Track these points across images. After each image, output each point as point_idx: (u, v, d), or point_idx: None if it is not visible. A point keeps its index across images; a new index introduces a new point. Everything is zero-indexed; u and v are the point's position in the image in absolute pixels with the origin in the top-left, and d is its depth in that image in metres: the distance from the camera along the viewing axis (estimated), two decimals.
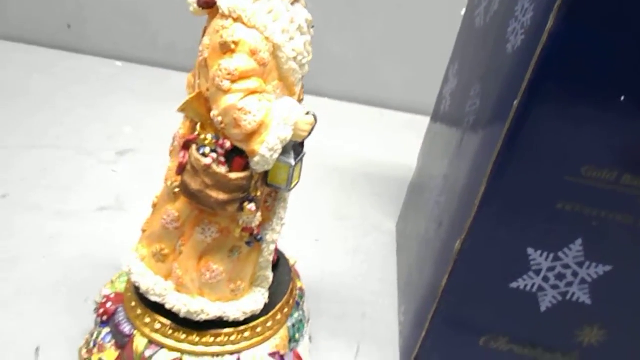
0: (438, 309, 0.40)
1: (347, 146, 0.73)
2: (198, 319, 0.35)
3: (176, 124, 0.35)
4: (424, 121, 0.61)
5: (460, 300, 0.39)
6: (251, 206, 0.31)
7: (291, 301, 0.41)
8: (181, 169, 0.30)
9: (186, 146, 0.30)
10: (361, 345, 0.47)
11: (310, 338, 0.44)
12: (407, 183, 0.63)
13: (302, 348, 0.41)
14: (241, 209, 0.31)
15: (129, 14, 0.85)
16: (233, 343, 0.37)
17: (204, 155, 0.30)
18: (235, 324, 0.37)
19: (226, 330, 0.36)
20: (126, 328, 0.37)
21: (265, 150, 0.29)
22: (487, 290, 0.38)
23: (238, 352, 0.37)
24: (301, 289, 0.44)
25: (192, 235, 0.33)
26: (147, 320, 0.36)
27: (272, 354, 0.37)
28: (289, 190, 0.33)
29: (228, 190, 0.30)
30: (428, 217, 0.47)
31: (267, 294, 0.37)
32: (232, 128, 0.29)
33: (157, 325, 0.36)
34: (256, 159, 0.30)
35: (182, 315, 0.35)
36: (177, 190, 0.32)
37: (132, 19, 0.85)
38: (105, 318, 0.38)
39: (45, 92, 0.74)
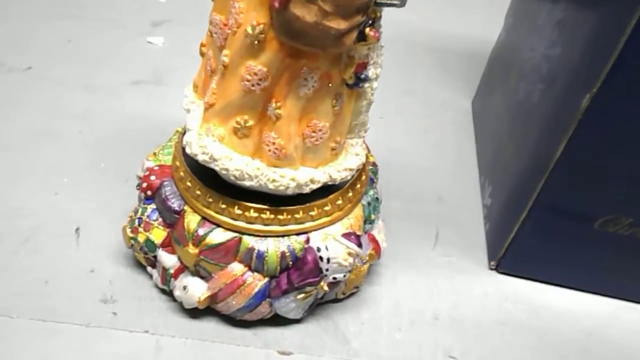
0: (546, 186, 0.33)
1: (414, 18, 0.63)
2: (307, 190, 0.29)
3: None
4: None
5: (578, 174, 0.32)
6: (373, 31, 0.25)
7: (364, 176, 0.34)
8: (286, 1, 0.23)
9: None
10: (440, 230, 0.41)
11: (382, 221, 0.38)
12: (482, 58, 0.54)
13: (378, 231, 0.35)
14: (362, 37, 0.25)
15: None
16: (297, 222, 0.31)
17: None
18: (301, 200, 0.30)
19: (290, 207, 0.30)
20: (174, 203, 0.31)
21: None
22: (614, 160, 0.31)
23: (306, 231, 0.31)
24: (374, 164, 0.37)
25: (289, 91, 0.26)
26: (198, 193, 0.30)
27: (346, 235, 0.31)
28: (403, 6, 0.25)
29: (349, 15, 0.23)
30: (528, 80, 0.38)
31: (364, 145, 0.31)
32: None
33: (209, 199, 0.30)
34: None
35: (290, 191, 0.29)
36: (262, 36, 0.25)
37: None
38: (149, 193, 0.33)
39: None
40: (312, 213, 0.31)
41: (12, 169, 0.40)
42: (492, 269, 0.38)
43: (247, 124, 0.27)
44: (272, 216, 0.30)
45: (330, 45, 0.24)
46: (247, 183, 0.28)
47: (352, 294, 0.35)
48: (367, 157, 0.35)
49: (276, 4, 0.23)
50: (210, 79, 0.29)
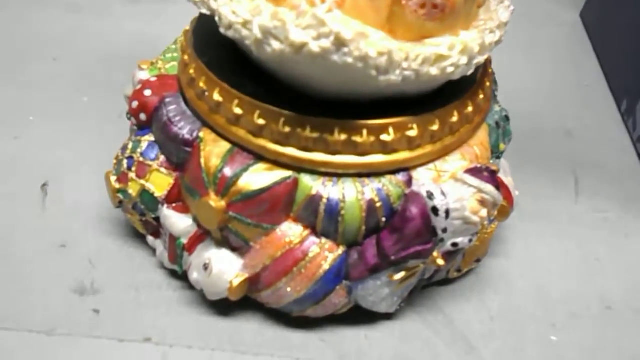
0: None
1: None
2: (473, 68, 0.18)
3: None
4: None
5: None
6: None
7: (487, 81, 0.21)
8: None
9: None
10: (580, 175, 0.27)
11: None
12: None
13: (504, 173, 0.22)
14: None
15: None
16: (387, 151, 0.18)
17: None
18: (384, 113, 0.18)
19: (374, 121, 0.17)
20: (184, 128, 0.19)
21: None
22: None
23: (405, 167, 0.18)
24: (493, 72, 0.24)
25: None
26: (219, 99, 0.18)
27: (474, 171, 0.19)
28: None
29: None
30: None
31: None
32: None
33: (238, 109, 0.17)
34: None
35: (459, 74, 0.17)
36: None
37: None
38: (143, 117, 0.21)
39: None
40: (412, 133, 0.18)
41: None
42: None
43: None
44: (345, 136, 0.17)
45: None
46: (392, 77, 0.16)
47: (469, 272, 0.22)
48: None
49: None
50: None
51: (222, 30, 0.17)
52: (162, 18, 0.36)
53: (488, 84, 0.21)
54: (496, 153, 0.21)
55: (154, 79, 0.21)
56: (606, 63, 0.35)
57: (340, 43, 0.15)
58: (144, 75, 0.22)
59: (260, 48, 0.16)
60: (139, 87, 0.21)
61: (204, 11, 0.18)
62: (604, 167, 0.28)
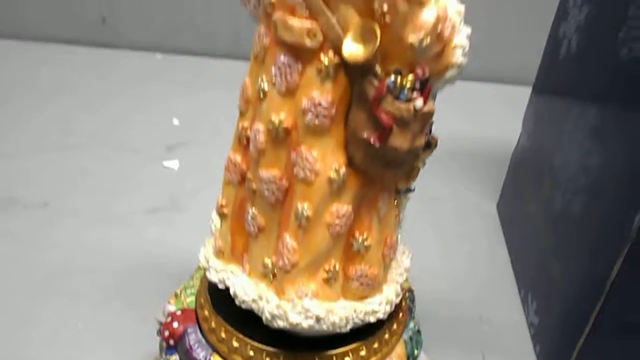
0: (606, 307, 0.30)
1: None
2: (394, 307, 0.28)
3: (225, 112, 0.27)
4: (508, 90, 0.59)
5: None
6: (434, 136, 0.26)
7: (403, 304, 0.31)
8: (388, 133, 0.23)
9: (377, 102, 0.22)
10: (486, 355, 0.37)
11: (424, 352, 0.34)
12: (502, 158, 0.53)
13: None
14: (427, 145, 0.25)
15: (165, 4, 0.78)
16: None
17: (409, 99, 0.22)
18: (349, 339, 0.28)
19: (339, 350, 0.27)
20: (200, 354, 0.29)
21: (461, 55, 0.23)
22: None
23: None
24: (410, 290, 0.35)
25: (371, 219, 0.26)
26: (236, 345, 0.27)
27: None
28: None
29: (425, 127, 0.24)
30: (565, 188, 0.36)
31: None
32: (434, 45, 0.22)
33: (250, 352, 0.27)
34: (451, 72, 0.23)
35: (386, 316, 0.28)
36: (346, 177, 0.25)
37: (168, 9, 0.78)
38: (172, 342, 0.30)
39: (80, 91, 0.68)
40: (362, 353, 0.28)
41: (23, 318, 0.38)
42: None
43: (336, 269, 0.26)
44: None
45: (410, 163, 0.25)
46: (348, 328, 0.26)
47: None
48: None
49: (376, 142, 0.23)
50: (256, 238, 0.27)
51: (236, 302, 0.27)
52: (177, 225, 0.47)
53: (404, 304, 0.32)
54: (412, 358, 0.31)
55: (179, 312, 0.31)
56: (512, 253, 0.46)
57: (317, 320, 0.25)
58: (172, 308, 0.32)
59: (269, 323, 0.26)
60: (169, 319, 0.31)
61: (221, 287, 0.28)
62: (505, 348, 0.38)
